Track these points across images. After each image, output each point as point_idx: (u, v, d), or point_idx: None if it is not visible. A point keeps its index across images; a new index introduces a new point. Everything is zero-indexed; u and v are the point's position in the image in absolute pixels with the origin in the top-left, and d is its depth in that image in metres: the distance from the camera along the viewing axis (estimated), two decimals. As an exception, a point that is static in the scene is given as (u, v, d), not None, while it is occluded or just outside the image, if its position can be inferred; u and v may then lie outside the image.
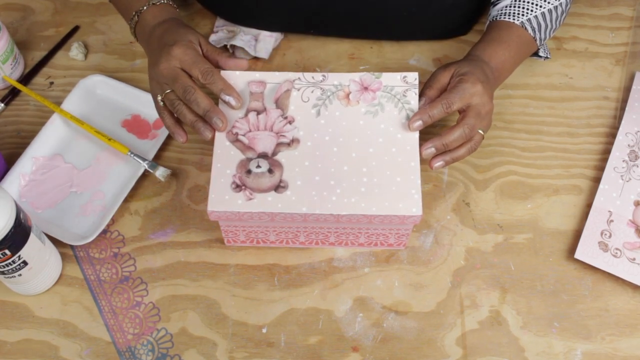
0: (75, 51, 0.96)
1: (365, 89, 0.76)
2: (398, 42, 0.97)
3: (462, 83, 0.75)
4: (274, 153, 0.73)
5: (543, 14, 0.84)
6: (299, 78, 0.77)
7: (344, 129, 0.75)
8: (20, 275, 0.73)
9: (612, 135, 0.89)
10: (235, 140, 0.74)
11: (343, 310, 0.77)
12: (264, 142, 0.74)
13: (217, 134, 0.74)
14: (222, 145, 0.74)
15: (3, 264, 0.70)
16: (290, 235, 0.77)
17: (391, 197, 0.71)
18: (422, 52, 0.97)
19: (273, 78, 0.77)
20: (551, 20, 0.85)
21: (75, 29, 0.99)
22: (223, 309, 0.77)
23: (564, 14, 0.87)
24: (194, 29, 0.78)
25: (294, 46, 0.97)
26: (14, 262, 0.71)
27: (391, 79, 0.77)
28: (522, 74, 0.95)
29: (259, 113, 0.75)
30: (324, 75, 0.77)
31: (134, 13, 0.81)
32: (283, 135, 0.74)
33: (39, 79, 0.95)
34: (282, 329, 0.76)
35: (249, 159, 0.73)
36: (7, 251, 0.69)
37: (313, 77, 0.77)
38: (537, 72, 0.95)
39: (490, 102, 0.77)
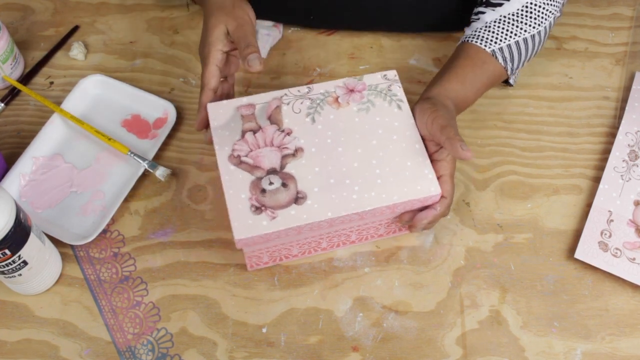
0: (75, 51, 0.96)
1: (352, 91, 0.78)
2: (398, 42, 0.97)
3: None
4: (282, 166, 0.73)
5: (517, 42, 0.81)
6: (286, 94, 0.77)
7: (342, 129, 0.75)
8: (20, 275, 0.73)
9: (612, 135, 0.89)
10: (239, 163, 0.73)
11: (343, 310, 0.77)
12: (269, 158, 0.73)
13: (218, 160, 0.73)
14: (228, 171, 0.72)
15: (3, 263, 0.70)
16: (313, 244, 0.77)
17: (408, 182, 0.72)
18: (422, 52, 0.97)
19: (260, 99, 0.77)
20: (527, 50, 0.82)
21: (75, 28, 1.00)
22: (223, 308, 0.77)
23: (542, 43, 0.85)
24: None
25: (294, 46, 0.97)
26: (14, 262, 0.71)
27: (373, 78, 0.79)
28: (522, 74, 0.95)
29: (255, 132, 0.75)
30: (309, 87, 0.78)
31: None
32: (286, 147, 0.74)
33: (39, 79, 0.95)
34: (282, 328, 0.76)
35: (259, 178, 0.72)
36: (7, 251, 0.69)
37: (299, 91, 0.78)
38: (537, 72, 0.95)
39: None
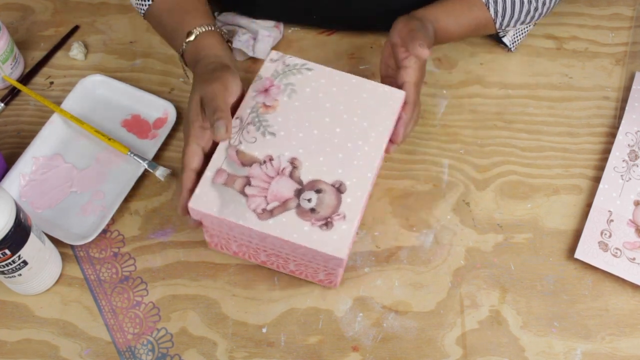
0: (75, 51, 0.96)
1: (266, 90, 0.78)
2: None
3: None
4: (300, 181, 0.72)
5: (513, 1, 0.84)
6: (231, 137, 0.74)
7: (297, 119, 0.76)
8: (20, 275, 0.73)
9: (612, 135, 0.89)
10: (270, 213, 0.70)
11: (343, 310, 0.77)
12: (284, 186, 0.72)
13: (255, 228, 0.70)
14: (271, 226, 0.70)
15: (3, 263, 0.70)
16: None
17: (379, 106, 0.76)
18: (422, 52, 0.97)
19: (216, 162, 0.73)
20: (520, 11, 0.85)
21: (75, 28, 1.00)
22: (223, 308, 0.77)
23: (538, 11, 0.87)
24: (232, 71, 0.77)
25: (294, 46, 0.97)
26: (14, 262, 0.71)
27: (267, 70, 0.80)
28: (522, 74, 0.95)
29: (249, 183, 0.72)
30: (237, 118, 0.76)
31: (181, 48, 0.81)
32: (283, 169, 0.73)
33: (39, 79, 0.95)
34: (282, 328, 0.76)
35: (298, 206, 0.71)
36: (7, 251, 0.69)
37: (235, 127, 0.75)
38: (537, 72, 0.95)
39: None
